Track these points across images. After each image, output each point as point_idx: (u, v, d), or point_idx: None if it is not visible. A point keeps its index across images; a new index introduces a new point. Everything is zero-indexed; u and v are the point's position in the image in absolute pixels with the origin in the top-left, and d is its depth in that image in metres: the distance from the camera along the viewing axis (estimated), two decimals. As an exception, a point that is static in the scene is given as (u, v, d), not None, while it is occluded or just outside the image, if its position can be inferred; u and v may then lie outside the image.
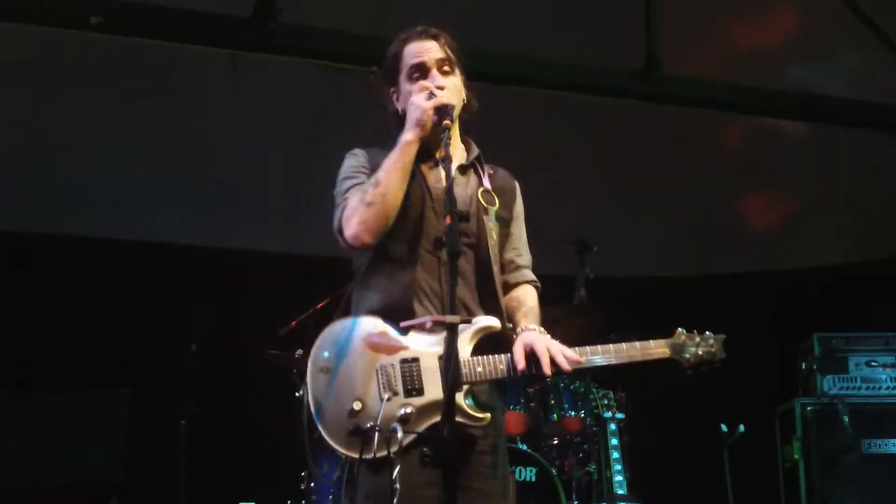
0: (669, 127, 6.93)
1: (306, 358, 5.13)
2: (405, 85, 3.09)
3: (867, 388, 6.05)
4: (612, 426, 5.30)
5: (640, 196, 7.61)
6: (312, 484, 4.64)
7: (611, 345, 3.01)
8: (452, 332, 2.62)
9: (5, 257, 6.67)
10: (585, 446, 5.63)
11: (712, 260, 7.83)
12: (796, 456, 5.92)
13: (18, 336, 6.47)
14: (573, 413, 5.64)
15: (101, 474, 5.93)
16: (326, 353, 2.94)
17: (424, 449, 2.85)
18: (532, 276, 3.27)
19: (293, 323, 5.08)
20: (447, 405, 2.60)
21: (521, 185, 3.32)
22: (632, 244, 7.62)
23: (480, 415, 2.91)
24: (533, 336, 3.00)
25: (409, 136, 2.95)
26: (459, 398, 2.86)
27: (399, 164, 2.94)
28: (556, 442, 5.71)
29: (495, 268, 3.07)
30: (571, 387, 5.71)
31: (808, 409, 5.96)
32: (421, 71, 3.07)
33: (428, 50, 3.09)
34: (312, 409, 2.89)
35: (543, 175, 7.45)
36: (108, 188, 6.87)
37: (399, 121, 3.09)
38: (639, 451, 5.61)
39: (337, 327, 2.99)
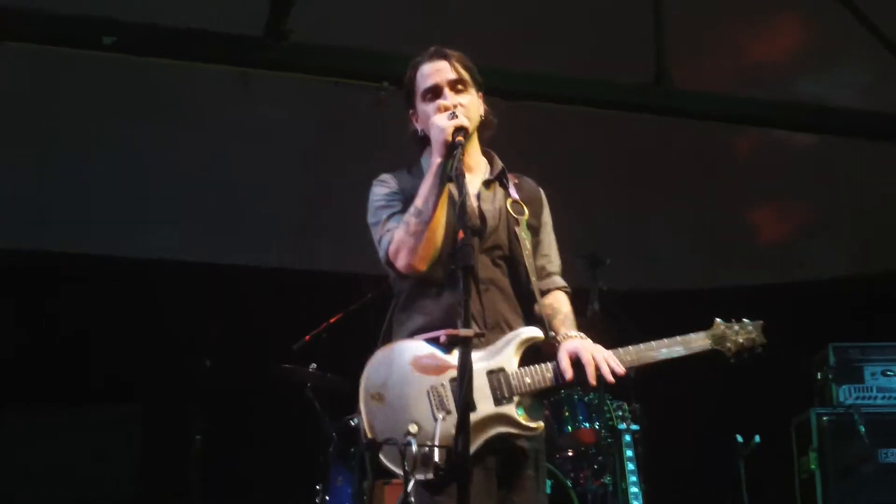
0: (680, 140, 6.94)
1: (320, 371, 5.20)
2: (422, 106, 3.11)
3: (883, 398, 6.04)
4: (627, 438, 5.30)
5: (652, 209, 7.61)
6: (328, 497, 4.64)
7: (653, 342, 3.04)
8: (466, 346, 2.62)
9: (17, 275, 6.71)
10: (600, 458, 5.61)
11: (725, 272, 7.82)
12: (812, 466, 5.90)
13: (30, 353, 6.51)
14: (588, 425, 5.62)
15: (113, 490, 5.94)
16: (377, 380, 2.95)
17: (437, 462, 2.83)
18: (563, 282, 3.29)
19: (307, 337, 5.11)
20: (461, 419, 2.60)
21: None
22: (644, 257, 7.62)
23: (533, 424, 2.93)
24: (577, 344, 3.01)
25: (438, 158, 2.94)
26: (511, 409, 2.90)
27: (435, 190, 2.94)
28: (571, 454, 5.69)
29: (533, 278, 3.08)
30: (586, 398, 5.70)
31: (824, 419, 5.94)
32: (434, 92, 3.08)
33: (439, 71, 3.10)
34: (369, 436, 2.90)
35: (554, 189, 7.47)
36: (120, 206, 6.92)
37: (420, 141, 3.12)
38: (654, 462, 5.60)
39: (383, 354, 3.01)
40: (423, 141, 3.11)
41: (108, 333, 6.70)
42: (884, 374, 6.07)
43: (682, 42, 5.89)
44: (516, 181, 3.25)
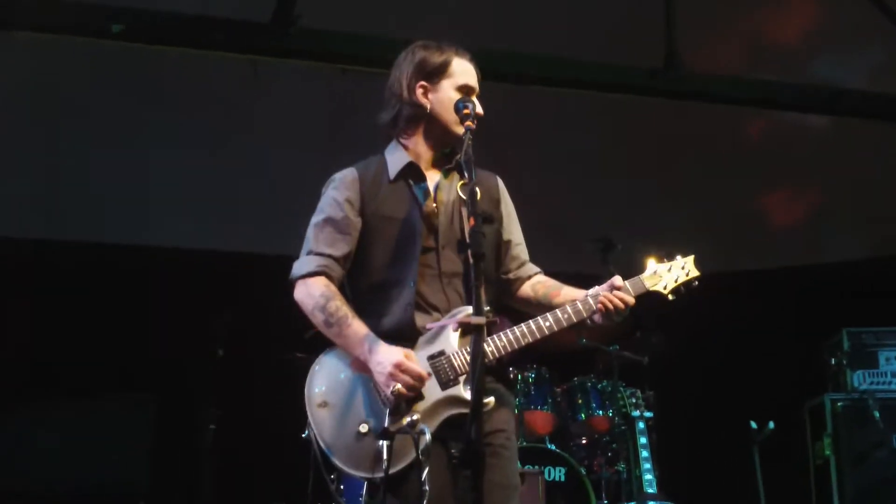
0: (691, 123, 6.89)
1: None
2: (450, 92, 3.09)
3: (898, 383, 6.00)
4: (641, 425, 5.29)
5: (663, 193, 7.56)
6: (342, 486, 4.63)
7: (588, 297, 3.02)
8: (479, 333, 2.59)
9: (30, 265, 6.71)
10: (614, 445, 5.60)
11: (737, 256, 7.78)
12: (827, 452, 5.88)
13: (44, 343, 6.51)
14: (601, 412, 5.62)
15: (127, 479, 5.96)
16: (320, 389, 2.98)
17: (452, 451, 2.87)
18: (537, 268, 3.29)
19: (319, 326, 5.07)
20: (474, 407, 2.58)
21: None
22: (655, 242, 7.57)
23: (483, 399, 2.89)
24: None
25: (363, 359, 2.92)
26: (458, 390, 2.90)
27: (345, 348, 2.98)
28: (584, 441, 5.69)
29: (500, 266, 3.05)
30: (599, 386, 5.69)
31: (838, 404, 5.92)
32: (467, 91, 3.10)
33: (474, 76, 3.15)
34: (322, 445, 2.91)
35: (565, 174, 7.45)
36: (131, 194, 6.90)
37: (413, 113, 3.10)
38: (668, 449, 5.57)
39: (324, 360, 3.03)
40: (419, 118, 3.10)
41: (121, 322, 6.69)
42: (898, 358, 6.04)
43: (692, 25, 5.84)
44: None
